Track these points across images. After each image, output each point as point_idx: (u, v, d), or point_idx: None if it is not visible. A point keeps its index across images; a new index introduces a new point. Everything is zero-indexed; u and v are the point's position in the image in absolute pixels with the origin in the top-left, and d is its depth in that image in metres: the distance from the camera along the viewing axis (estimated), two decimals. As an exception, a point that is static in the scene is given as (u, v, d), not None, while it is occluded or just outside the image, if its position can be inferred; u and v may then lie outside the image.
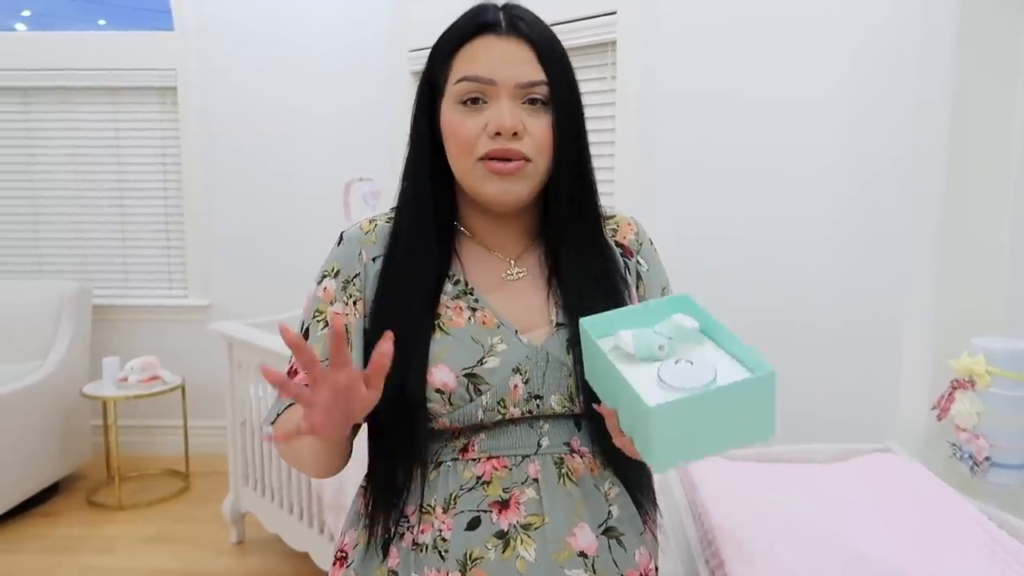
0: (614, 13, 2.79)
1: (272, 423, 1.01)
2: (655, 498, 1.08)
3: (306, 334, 1.01)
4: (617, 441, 0.89)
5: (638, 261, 1.09)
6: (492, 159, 0.95)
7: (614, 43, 2.78)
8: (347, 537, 1.07)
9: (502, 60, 0.95)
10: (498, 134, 0.94)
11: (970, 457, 1.65)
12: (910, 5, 1.96)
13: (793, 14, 2.32)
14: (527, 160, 0.96)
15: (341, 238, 1.05)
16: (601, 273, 1.04)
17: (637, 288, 1.08)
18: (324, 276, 1.03)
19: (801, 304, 2.33)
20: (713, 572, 1.30)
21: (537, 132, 0.96)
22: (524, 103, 0.96)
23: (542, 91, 0.96)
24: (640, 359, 0.86)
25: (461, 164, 0.98)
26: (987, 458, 1.63)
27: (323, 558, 2.68)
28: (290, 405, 0.99)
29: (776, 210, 2.41)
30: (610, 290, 1.03)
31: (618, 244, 1.09)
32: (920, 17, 1.89)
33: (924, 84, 1.86)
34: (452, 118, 0.97)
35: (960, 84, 1.75)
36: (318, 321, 1.01)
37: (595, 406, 0.91)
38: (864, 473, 1.61)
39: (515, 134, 0.94)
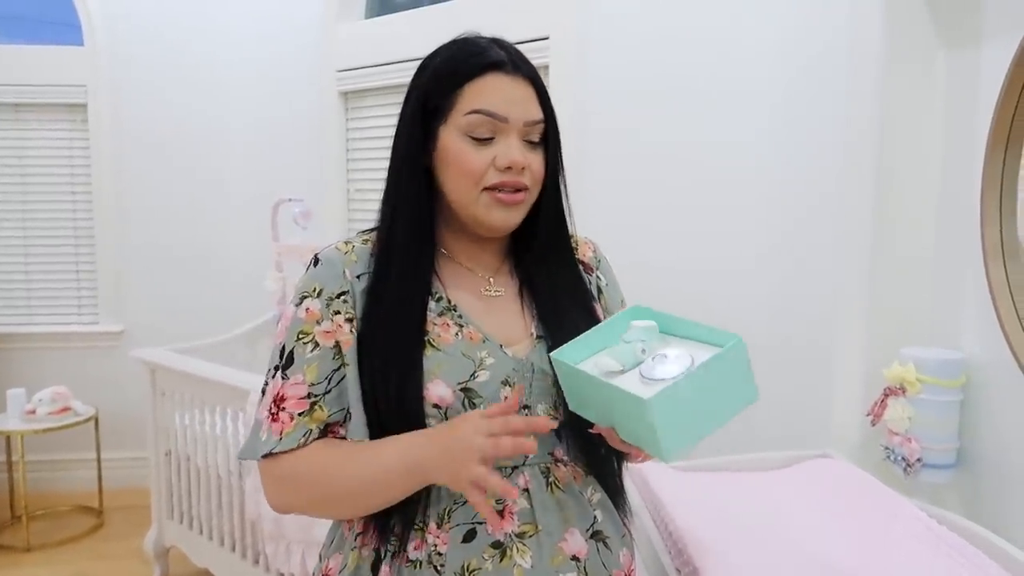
0: (547, 38, 2.87)
1: (266, 456, 0.98)
2: (628, 503, 1.14)
3: (290, 357, 1.00)
4: (624, 449, 0.96)
5: (598, 276, 1.18)
6: (500, 189, 1.01)
7: (547, 67, 2.86)
8: (331, 562, 1.06)
9: (513, 99, 1.00)
10: (509, 168, 1.00)
11: (903, 459, 1.76)
12: (835, 44, 2.09)
13: (723, 48, 2.43)
14: (526, 191, 1.03)
15: (317, 260, 1.05)
16: (573, 287, 1.11)
17: (598, 301, 1.15)
18: (304, 297, 1.02)
19: (733, 317, 2.40)
20: (685, 579, 1.35)
21: (535, 166, 1.03)
22: (524, 139, 1.02)
23: (540, 129, 1.03)
24: (627, 369, 0.92)
25: (465, 192, 1.01)
26: (919, 459, 1.74)
27: (259, 590, 2.60)
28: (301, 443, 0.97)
29: (708, 235, 2.50)
30: (581, 303, 1.11)
31: (579, 262, 1.16)
32: (844, 55, 2.02)
33: (850, 100, 1.99)
34: (460, 147, 1.00)
35: (884, 112, 1.88)
36: (305, 343, 1.00)
37: (591, 430, 0.97)
38: (811, 478, 1.70)
39: (522, 169, 1.01)
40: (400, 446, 0.93)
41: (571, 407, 0.97)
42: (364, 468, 0.94)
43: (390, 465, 0.93)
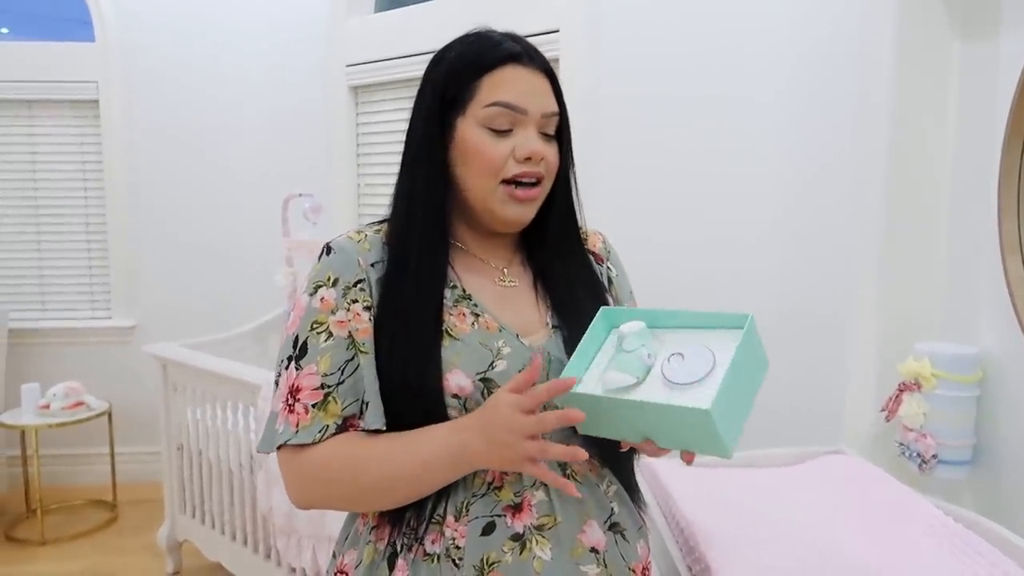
0: (557, 31, 2.85)
1: (282, 447, 0.97)
2: (642, 495, 1.13)
3: (304, 348, 0.99)
4: (662, 456, 0.95)
5: (608, 267, 1.19)
6: (515, 184, 1.01)
7: (557, 60, 2.84)
8: (346, 558, 1.06)
9: (531, 91, 1.01)
10: (528, 159, 1.00)
11: (918, 455, 1.74)
12: (848, 15, 2.07)
13: (734, 28, 2.41)
14: (542, 184, 1.04)
15: (329, 249, 1.04)
16: (586, 278, 1.12)
17: (609, 291, 1.16)
18: (318, 286, 1.01)
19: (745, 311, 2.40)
20: (697, 576, 1.34)
21: (551, 158, 1.04)
22: (539, 131, 1.03)
23: (555, 121, 1.05)
24: (643, 380, 0.90)
25: (482, 184, 1.02)
26: (934, 456, 1.72)
27: (271, 584, 2.61)
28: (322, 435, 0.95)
29: (717, 220, 2.49)
30: (595, 293, 1.11)
31: (590, 252, 1.17)
32: (858, 26, 1.99)
33: (863, 93, 1.96)
34: (479, 138, 1.01)
35: (898, 94, 1.85)
36: (319, 333, 0.98)
37: (621, 449, 0.96)
38: (824, 474, 1.68)
39: (540, 159, 1.02)
40: (439, 440, 0.92)
41: (582, 431, 0.94)
42: (402, 463, 0.93)
43: (431, 460, 0.92)
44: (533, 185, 1.02)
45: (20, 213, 3.89)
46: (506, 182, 1.01)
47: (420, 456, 0.93)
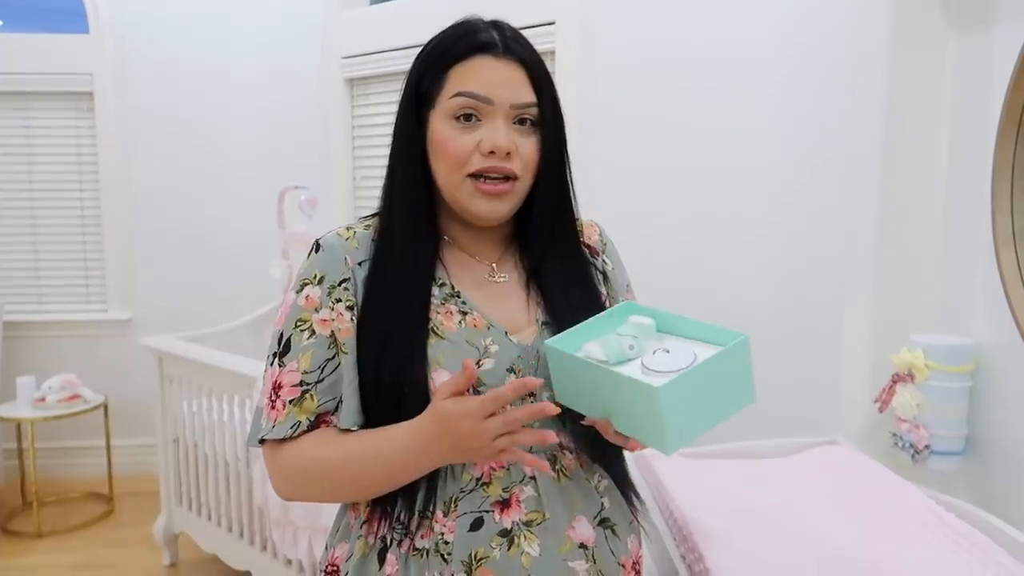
0: (552, 23, 2.85)
1: (262, 441, 1.00)
2: (636, 489, 1.12)
3: (287, 345, 0.99)
4: (618, 441, 0.95)
5: (604, 260, 1.16)
6: (482, 177, 0.98)
7: (553, 53, 2.84)
8: (337, 551, 1.06)
9: (499, 81, 0.98)
10: (492, 153, 0.97)
11: (911, 446, 1.75)
12: (842, 11, 2.07)
13: (730, 22, 2.42)
14: (515, 179, 1.00)
15: (318, 246, 1.03)
16: (581, 275, 1.09)
17: (604, 285, 1.14)
18: (305, 284, 1.01)
19: (741, 305, 2.41)
20: (691, 566, 1.34)
21: (526, 152, 1.00)
22: (514, 123, 0.99)
23: (532, 112, 1.00)
24: (614, 363, 0.90)
25: (450, 178, 1.00)
26: (927, 446, 1.73)
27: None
28: (304, 429, 0.97)
29: (713, 213, 2.50)
30: (589, 290, 1.09)
31: (585, 245, 1.14)
32: (853, 21, 1.99)
33: (858, 86, 1.96)
34: (445, 133, 0.99)
35: (893, 87, 1.85)
36: (302, 331, 0.99)
37: (584, 422, 0.96)
38: (818, 465, 1.69)
39: (508, 154, 0.98)
40: (398, 444, 0.92)
41: (558, 398, 0.95)
42: (365, 464, 0.95)
43: (394, 461, 0.93)
44: (503, 180, 0.98)
45: (15, 205, 3.88)
46: (473, 176, 0.98)
47: (390, 465, 0.94)
